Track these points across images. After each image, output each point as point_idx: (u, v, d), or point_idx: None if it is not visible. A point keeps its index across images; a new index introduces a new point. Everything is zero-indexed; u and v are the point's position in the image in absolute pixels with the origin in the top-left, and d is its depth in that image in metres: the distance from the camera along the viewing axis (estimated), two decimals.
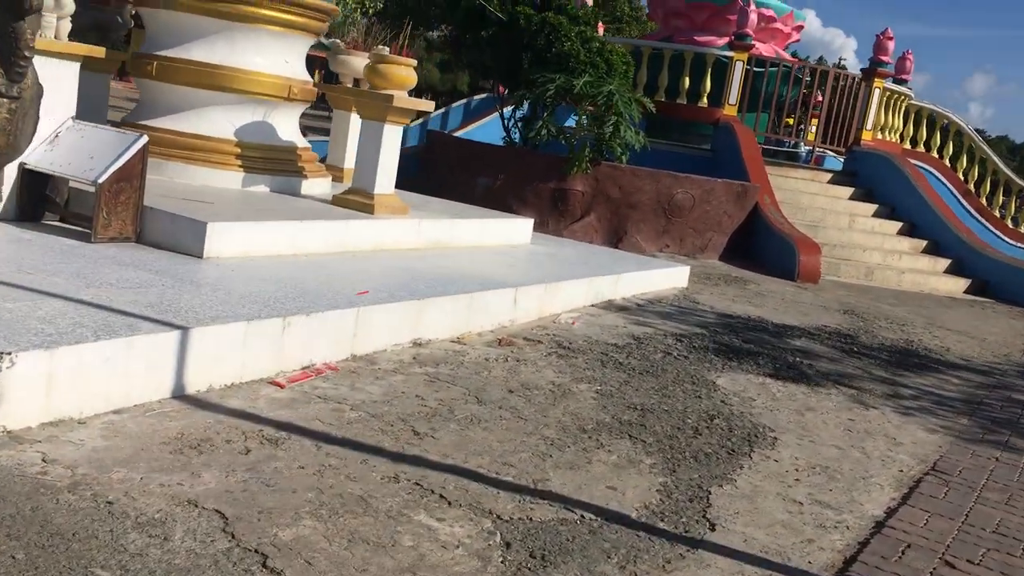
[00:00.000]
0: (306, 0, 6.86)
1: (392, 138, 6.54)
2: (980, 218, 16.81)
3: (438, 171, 11.86)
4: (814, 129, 15.72)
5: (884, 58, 14.39)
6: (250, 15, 6.64)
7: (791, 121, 17.03)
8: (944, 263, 12.60)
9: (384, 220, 6.45)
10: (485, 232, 7.50)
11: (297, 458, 3.36)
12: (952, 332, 8.74)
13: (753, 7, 14.06)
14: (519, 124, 11.43)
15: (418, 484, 3.31)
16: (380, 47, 8.25)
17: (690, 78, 14.03)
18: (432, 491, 3.28)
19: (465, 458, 3.63)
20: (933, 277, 12.16)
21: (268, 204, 6.22)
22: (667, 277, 8.30)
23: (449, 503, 3.21)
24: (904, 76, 16.82)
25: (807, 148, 17.37)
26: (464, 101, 17.66)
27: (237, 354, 3.94)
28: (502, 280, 6.05)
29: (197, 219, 5.07)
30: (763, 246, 11.47)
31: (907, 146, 16.99)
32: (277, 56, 6.85)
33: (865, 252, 12.17)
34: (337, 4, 22.51)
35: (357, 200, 6.56)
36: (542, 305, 6.26)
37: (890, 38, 14.40)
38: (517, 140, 11.72)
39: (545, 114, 10.73)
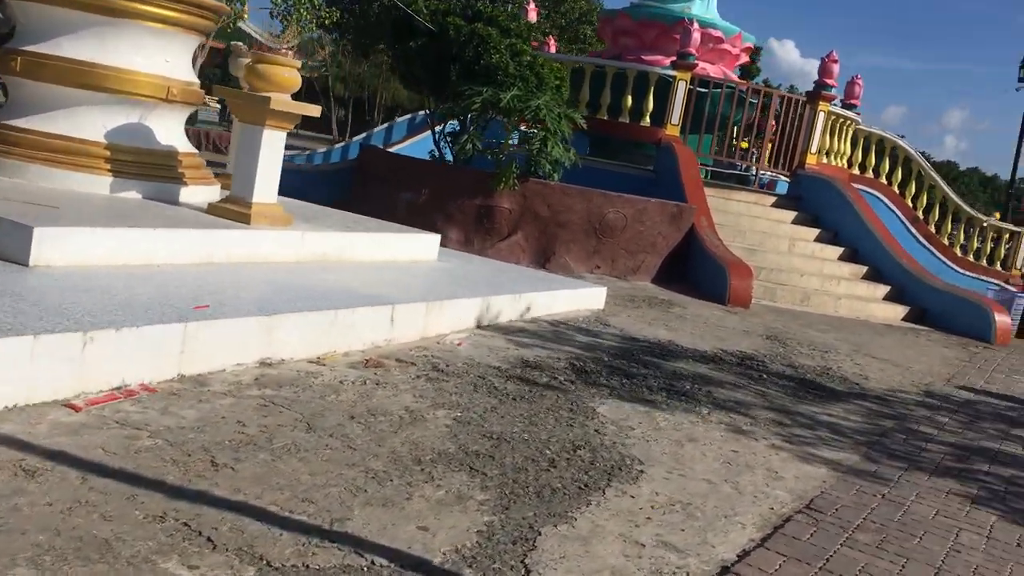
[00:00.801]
0: None
1: (272, 144, 6.15)
2: (928, 245, 16.65)
3: (367, 186, 11.49)
4: (767, 154, 15.51)
5: (829, 81, 14.20)
6: (124, 10, 6.24)
7: (745, 144, 16.84)
8: (884, 290, 12.36)
9: (260, 231, 6.04)
10: (381, 247, 7.11)
11: (50, 493, 2.94)
12: (877, 360, 8.44)
13: (698, 27, 13.84)
14: (448, 139, 11.07)
15: (186, 524, 2.90)
16: (284, 50, 7.88)
17: (633, 97, 13.75)
18: (200, 532, 2.86)
19: (260, 493, 3.22)
20: (872, 304, 11.91)
21: (128, 211, 5.79)
22: (580, 298, 7.94)
23: (214, 547, 2.80)
24: (853, 101, 16.68)
25: (761, 172, 17.19)
26: (409, 116, 17.33)
27: (22, 373, 3.51)
28: (380, 297, 5.66)
29: (23, 223, 4.64)
30: (698, 269, 11.16)
31: (855, 171, 16.83)
32: (155, 55, 6.45)
33: (803, 277, 11.90)
34: (296, 20, 22.11)
35: (232, 209, 6.15)
36: (427, 324, 5.87)
37: (835, 61, 14.22)
38: (447, 155, 11.37)
39: (472, 128, 10.39)
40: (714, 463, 4.56)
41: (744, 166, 16.59)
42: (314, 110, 6.50)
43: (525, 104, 10.07)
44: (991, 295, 12.91)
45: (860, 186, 16.30)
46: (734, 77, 15.77)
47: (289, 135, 6.53)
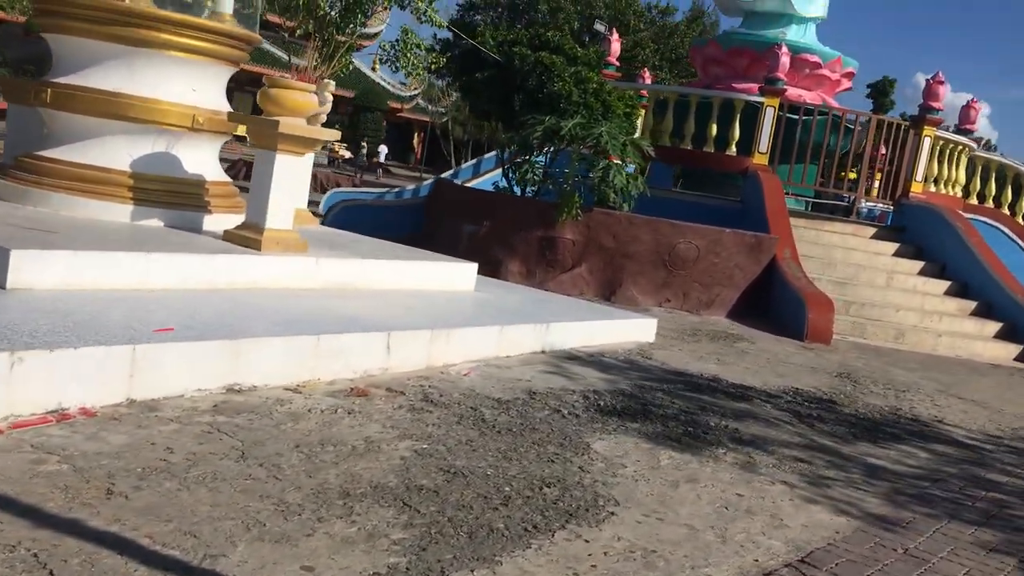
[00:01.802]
0: (214, 26, 6.51)
1: (286, 169, 6.04)
2: None
3: (436, 220, 11.39)
4: (878, 185, 14.59)
5: (935, 104, 13.26)
6: (151, 40, 6.31)
7: (852, 175, 15.92)
8: (995, 327, 11.29)
9: (269, 257, 5.91)
10: (409, 276, 6.89)
11: None
12: (964, 401, 7.61)
13: (787, 51, 13.21)
14: (512, 169, 10.85)
15: (35, 555, 2.68)
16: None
17: (718, 125, 13.20)
18: (44, 565, 2.63)
19: (139, 525, 2.98)
20: (978, 342, 10.88)
21: (139, 237, 5.77)
22: (625, 330, 7.49)
23: None
24: (968, 126, 15.59)
25: (869, 204, 16.24)
26: (498, 151, 17.25)
27: None
28: (376, 323, 5.41)
29: (1, 246, 4.63)
30: (778, 303, 10.48)
31: (972, 201, 15.66)
32: (182, 84, 6.48)
33: (899, 312, 11.00)
34: (404, 66, 22.52)
35: (245, 235, 6.05)
36: (432, 353, 5.58)
37: (941, 82, 13.28)
38: (514, 187, 11.13)
39: (530, 156, 10.13)
40: (707, 507, 4.06)
41: (851, 198, 15.65)
42: (330, 135, 6.39)
43: (588, 132, 9.75)
44: None
45: (978, 216, 15.15)
46: (834, 103, 14.95)
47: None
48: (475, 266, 7.54)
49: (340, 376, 5.02)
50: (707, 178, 14.52)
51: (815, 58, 14.73)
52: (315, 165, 30.30)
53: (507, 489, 3.85)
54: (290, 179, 6.11)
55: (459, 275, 7.37)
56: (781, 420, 5.84)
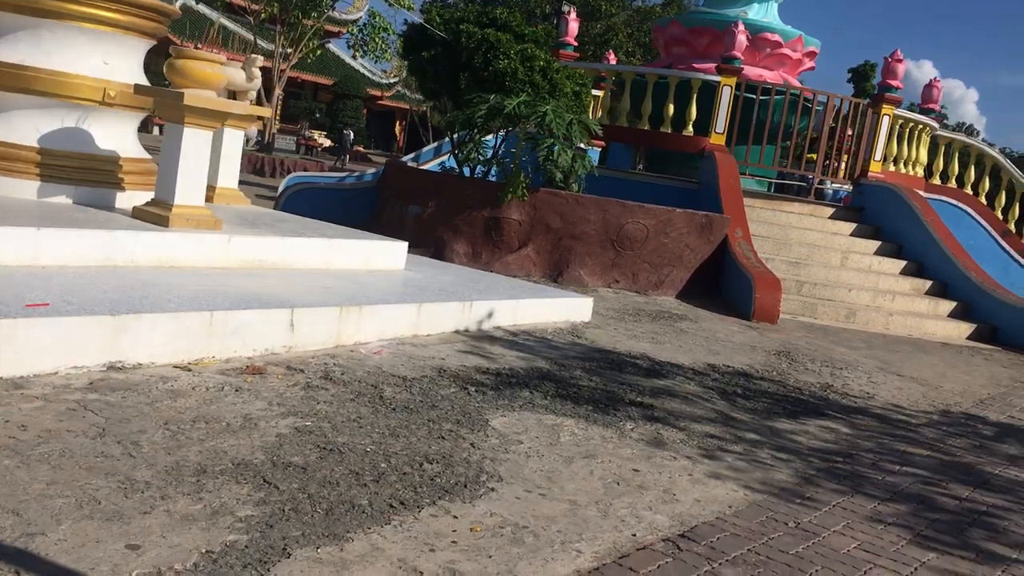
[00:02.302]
0: None
1: (195, 143, 5.86)
2: (1023, 260, 15.27)
3: (385, 202, 11.22)
4: (845, 166, 14.47)
5: (893, 82, 13.16)
6: (58, 11, 6.11)
7: (814, 157, 15.83)
8: (948, 306, 11.23)
9: (176, 234, 5.74)
10: (330, 255, 6.72)
11: None
12: (902, 379, 7.51)
13: (744, 29, 13.06)
14: (459, 150, 10.69)
15: None
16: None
17: (675, 105, 13.06)
18: None
19: None
20: (931, 321, 10.81)
21: (39, 213, 5.58)
22: (559, 309, 7.35)
23: None
24: (931, 105, 15.52)
25: (836, 186, 16.17)
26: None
27: None
28: (279, 300, 5.25)
29: None
30: (728, 283, 10.38)
31: (935, 181, 15.60)
32: (93, 57, 6.29)
33: (851, 292, 10.92)
34: (372, 51, 22.53)
35: (153, 212, 5.88)
36: (342, 331, 5.42)
37: (899, 60, 13.18)
38: (464, 168, 10.96)
39: (477, 136, 9.96)
40: (597, 483, 3.93)
41: (817, 179, 15.54)
42: (259, 111, 6.23)
43: (532, 110, 9.59)
44: None
45: (941, 197, 15.09)
46: (796, 83, 14.84)
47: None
48: (404, 245, 7.38)
49: (238, 354, 4.87)
50: (670, 159, 14.40)
51: (776, 37, 14.60)
52: (285, 152, 29.91)
53: (383, 466, 3.71)
54: (200, 154, 5.92)
55: (387, 254, 7.21)
56: (702, 397, 5.72)
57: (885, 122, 13.29)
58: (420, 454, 3.91)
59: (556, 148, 9.55)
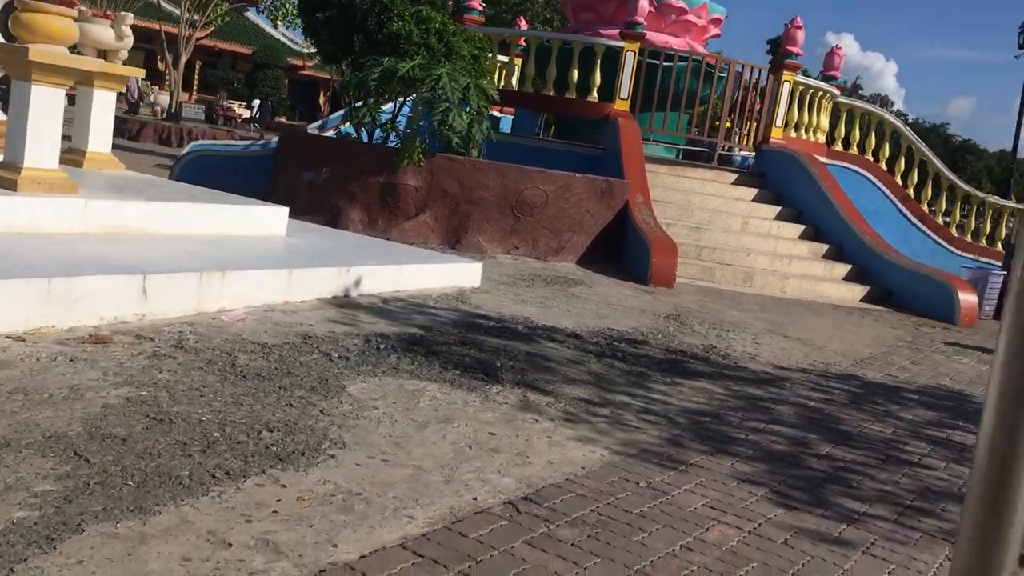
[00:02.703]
0: None
1: (44, 102, 5.52)
2: (921, 225, 15.65)
3: (281, 169, 10.90)
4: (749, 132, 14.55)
5: (793, 49, 13.27)
6: None
7: (728, 125, 15.87)
8: (844, 269, 11.41)
9: (26, 198, 5.42)
10: (203, 220, 6.45)
11: None
12: (788, 339, 7.58)
13: None
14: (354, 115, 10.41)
15: None
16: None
17: (580, 71, 12.94)
18: None
19: None
20: (826, 283, 10.97)
21: None
22: (446, 275, 7.21)
23: None
24: (832, 72, 15.71)
25: (744, 153, 16.27)
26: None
27: None
28: (129, 266, 4.99)
29: None
30: (628, 249, 10.36)
31: (838, 147, 15.85)
32: None
33: (750, 256, 11.01)
34: (282, 16, 22.00)
35: (0, 175, 5.54)
36: (203, 298, 5.19)
37: (799, 27, 13.29)
38: (362, 133, 10.70)
39: (372, 100, 9.71)
40: (448, 448, 3.81)
41: (715, 144, 15.58)
42: (100, 66, 5.88)
43: (427, 74, 9.37)
44: (964, 273, 11.87)
45: (843, 163, 15.36)
46: (701, 50, 14.84)
47: None
48: (285, 210, 7.14)
49: (83, 323, 4.61)
50: (578, 126, 14.29)
51: (681, 3, 14.56)
52: (194, 121, 29.02)
53: (216, 435, 3.53)
54: (51, 113, 5.59)
55: (266, 220, 6.97)
56: (579, 360, 5.65)
57: (786, 89, 13.40)
58: (261, 422, 3.74)
59: (451, 112, 9.36)
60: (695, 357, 6.26)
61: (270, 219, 6.99)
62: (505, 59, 14.25)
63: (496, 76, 14.18)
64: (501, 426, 4.19)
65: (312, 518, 2.97)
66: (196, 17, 26.60)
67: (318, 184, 9.84)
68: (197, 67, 42.91)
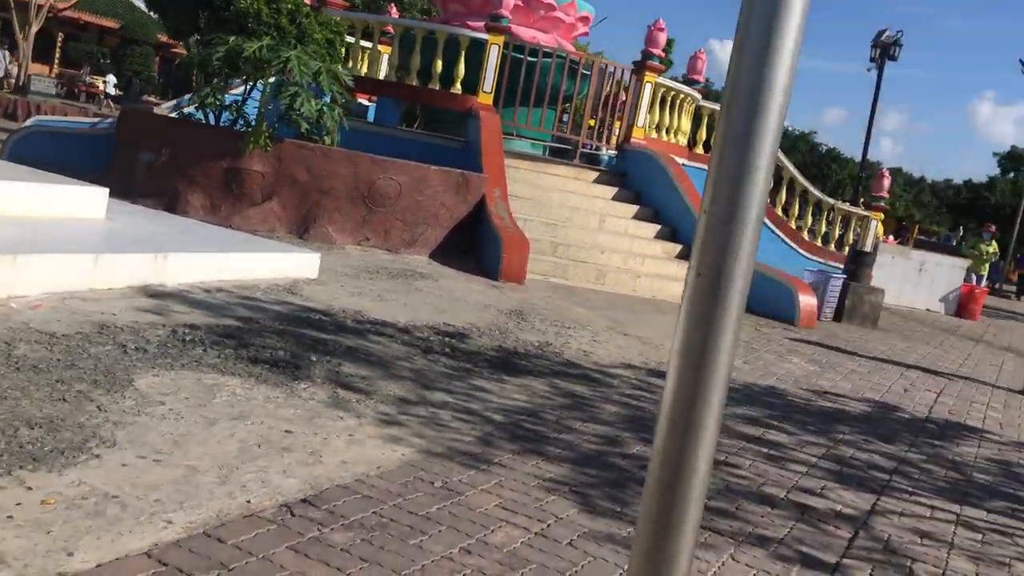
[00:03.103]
0: None
1: None
2: (776, 230, 16.14)
3: (121, 149, 10.32)
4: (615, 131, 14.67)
5: (655, 51, 13.45)
6: None
7: (593, 123, 15.98)
8: None
9: None
10: (10, 200, 6.00)
11: None
12: (628, 338, 7.63)
13: None
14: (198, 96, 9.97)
15: None
16: None
17: (444, 62, 12.78)
18: None
19: None
20: (677, 283, 11.14)
21: None
22: (279, 265, 6.94)
23: None
24: (695, 77, 16.08)
25: (611, 152, 16.41)
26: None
27: None
28: None
29: None
30: (483, 243, 10.26)
31: (699, 150, 16.20)
32: None
33: (605, 254, 11.09)
34: None
35: None
36: None
37: (661, 29, 13.49)
38: (209, 115, 10.25)
39: (216, 80, 9.30)
40: (234, 447, 3.60)
41: (594, 145, 15.66)
42: None
43: (275, 55, 9.03)
44: (807, 276, 12.30)
45: (703, 165, 15.66)
46: (570, 47, 14.90)
47: None
48: (104, 191, 6.73)
49: None
50: (445, 117, 14.11)
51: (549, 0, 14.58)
52: (44, 95, 27.43)
53: None
54: None
55: (82, 201, 6.54)
56: (404, 356, 5.50)
57: (647, 89, 13.59)
58: (23, 419, 3.44)
59: (300, 97, 9.05)
60: (527, 354, 6.20)
61: (87, 201, 6.57)
62: (369, 46, 13.95)
63: (361, 63, 13.92)
64: (300, 424, 4.00)
65: (52, 524, 2.73)
66: None
67: (157, 166, 9.37)
68: (59, 39, 40.63)
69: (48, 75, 34.04)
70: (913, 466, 5.23)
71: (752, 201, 1.39)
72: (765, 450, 4.95)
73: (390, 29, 13.72)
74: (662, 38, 13.49)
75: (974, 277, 19.53)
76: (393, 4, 17.85)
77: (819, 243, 16.81)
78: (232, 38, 9.09)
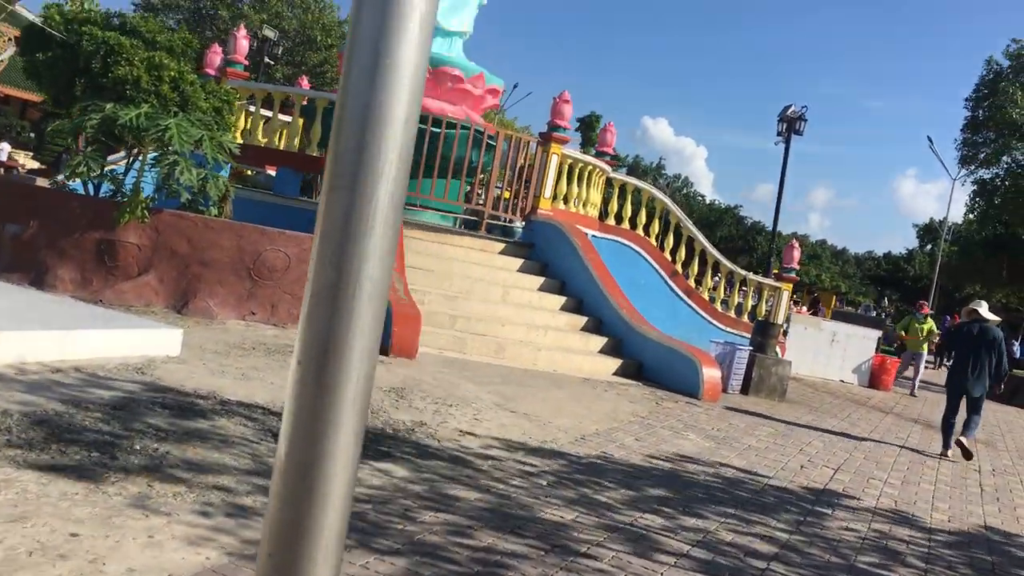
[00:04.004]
0: None
1: None
2: (687, 299, 16.07)
3: None
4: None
5: (560, 122, 13.42)
6: None
7: (507, 195, 15.81)
8: (600, 342, 11.41)
9: None
10: None
11: None
12: (514, 415, 7.27)
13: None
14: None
15: None
16: None
17: None
18: None
19: None
20: (580, 356, 10.89)
21: None
22: (135, 342, 6.46)
23: None
24: (605, 148, 16.14)
25: (510, 220, 16.22)
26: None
27: None
28: None
29: None
30: None
31: (611, 222, 16.15)
32: None
33: (506, 327, 10.79)
34: None
35: None
36: None
37: (567, 101, 13.49)
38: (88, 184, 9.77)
39: (88, 149, 8.87)
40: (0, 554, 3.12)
41: (507, 218, 15.46)
42: None
43: (154, 123, 8.64)
44: (713, 348, 12.14)
45: (615, 237, 15.62)
46: (478, 119, 14.83)
47: None
48: None
49: None
50: None
51: (456, 72, 14.51)
52: None
53: None
54: None
55: None
56: (252, 439, 5.05)
57: (554, 160, 13.51)
58: None
59: (179, 166, 8.65)
60: (393, 436, 5.79)
61: None
62: (289, 119, 13.63)
63: (263, 132, 13.58)
64: (93, 525, 3.53)
65: None
66: None
67: (24, 239, 8.83)
68: None
69: None
70: (795, 551, 4.93)
71: (367, 262, 1.07)
72: (633, 539, 4.60)
73: (292, 99, 13.48)
74: (567, 110, 13.47)
75: (916, 358, 18.76)
76: (304, 77, 17.66)
77: (732, 314, 16.81)
78: (109, 105, 8.69)
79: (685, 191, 76.49)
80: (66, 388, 5.31)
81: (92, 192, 9.54)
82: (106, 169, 9.43)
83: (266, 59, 28.86)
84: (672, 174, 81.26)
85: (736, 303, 17.18)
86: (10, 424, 4.45)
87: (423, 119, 12.91)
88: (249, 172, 20.88)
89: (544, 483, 5.37)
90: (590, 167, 14.63)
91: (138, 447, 4.53)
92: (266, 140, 13.12)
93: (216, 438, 4.95)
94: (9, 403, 4.80)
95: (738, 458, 7.32)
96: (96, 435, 4.57)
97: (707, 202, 75.27)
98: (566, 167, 13.97)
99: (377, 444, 5.50)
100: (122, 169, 9.66)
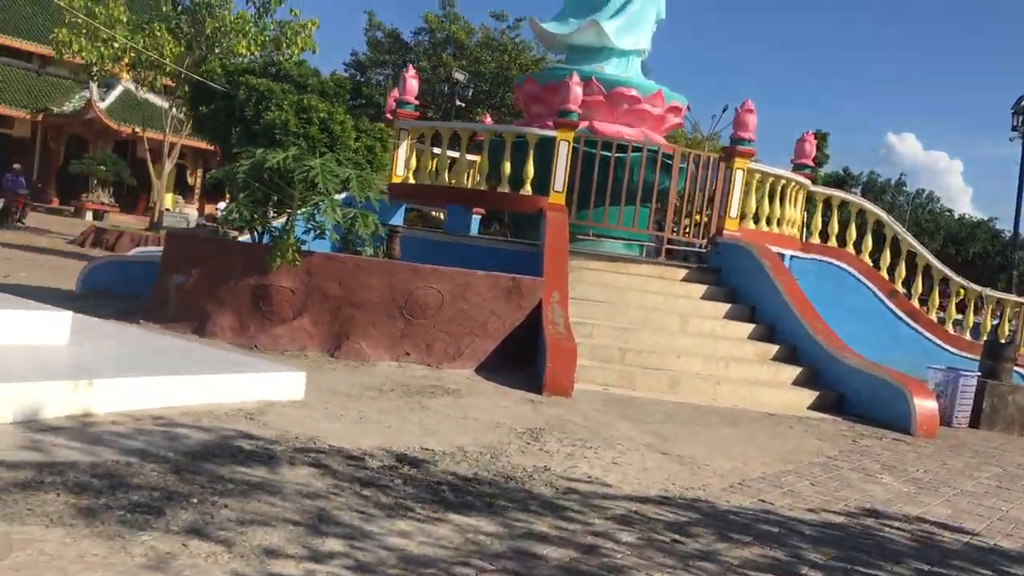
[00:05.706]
0: None
1: None
2: (912, 322, 14.33)
3: (161, 273, 10.13)
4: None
5: (743, 134, 12.33)
6: None
7: (698, 218, 14.85)
8: (793, 372, 10.18)
9: None
10: None
11: None
12: (665, 457, 6.39)
13: (577, 80, 12.23)
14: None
15: None
16: None
17: (512, 164, 12.15)
18: None
19: None
20: (769, 389, 9.74)
21: None
22: (251, 387, 6.22)
23: None
24: (804, 160, 14.72)
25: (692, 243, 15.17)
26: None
27: None
28: None
29: None
30: (539, 352, 9.29)
31: (815, 240, 14.70)
32: None
33: (681, 359, 9.85)
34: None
35: None
36: None
37: (750, 111, 12.39)
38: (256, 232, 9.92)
39: (240, 196, 8.95)
40: None
41: (695, 242, 14.46)
42: None
43: (299, 165, 8.60)
44: (931, 375, 10.51)
45: (822, 256, 14.22)
46: (659, 140, 13.99)
47: None
48: (68, 315, 6.28)
49: None
50: (527, 222, 13.43)
51: (633, 92, 13.79)
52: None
53: None
54: None
55: (44, 327, 6.10)
56: (324, 493, 4.55)
57: (739, 176, 12.42)
58: None
59: (324, 205, 8.54)
60: (502, 483, 5.12)
61: (48, 326, 6.13)
62: (454, 155, 13.51)
63: (439, 170, 13.45)
64: (116, 556, 3.14)
65: None
66: None
67: (187, 288, 9.03)
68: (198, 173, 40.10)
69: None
70: None
71: None
72: None
73: (463, 136, 13.30)
74: (752, 120, 12.38)
75: None
76: (488, 114, 17.60)
77: (968, 336, 14.79)
78: (259, 150, 8.75)
79: (930, 207, 70.78)
80: (148, 436, 5.08)
81: (257, 239, 9.67)
82: (261, 214, 9.51)
83: (457, 102, 29.51)
84: (915, 189, 75.12)
85: (972, 323, 15.14)
86: (66, 480, 4.22)
87: (597, 144, 12.32)
88: (434, 213, 21.17)
89: (665, 539, 4.50)
90: (783, 181, 13.37)
91: (195, 500, 4.16)
92: (455, 180, 12.96)
93: (288, 490, 4.51)
94: (76, 456, 4.59)
95: (942, 506, 6.03)
96: (147, 487, 4.24)
97: (955, 216, 69.12)
98: (755, 183, 12.82)
99: (475, 494, 4.86)
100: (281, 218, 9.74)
